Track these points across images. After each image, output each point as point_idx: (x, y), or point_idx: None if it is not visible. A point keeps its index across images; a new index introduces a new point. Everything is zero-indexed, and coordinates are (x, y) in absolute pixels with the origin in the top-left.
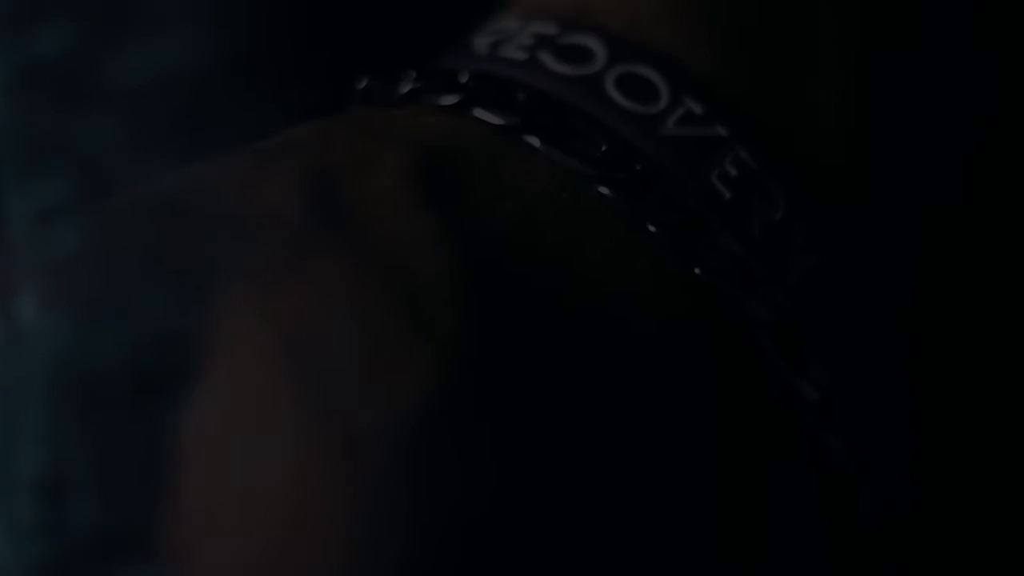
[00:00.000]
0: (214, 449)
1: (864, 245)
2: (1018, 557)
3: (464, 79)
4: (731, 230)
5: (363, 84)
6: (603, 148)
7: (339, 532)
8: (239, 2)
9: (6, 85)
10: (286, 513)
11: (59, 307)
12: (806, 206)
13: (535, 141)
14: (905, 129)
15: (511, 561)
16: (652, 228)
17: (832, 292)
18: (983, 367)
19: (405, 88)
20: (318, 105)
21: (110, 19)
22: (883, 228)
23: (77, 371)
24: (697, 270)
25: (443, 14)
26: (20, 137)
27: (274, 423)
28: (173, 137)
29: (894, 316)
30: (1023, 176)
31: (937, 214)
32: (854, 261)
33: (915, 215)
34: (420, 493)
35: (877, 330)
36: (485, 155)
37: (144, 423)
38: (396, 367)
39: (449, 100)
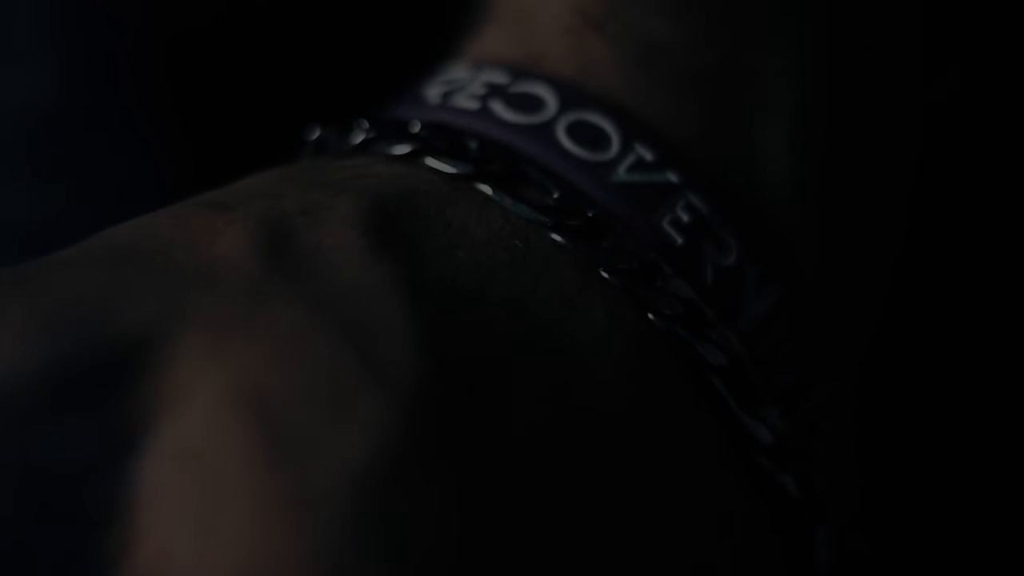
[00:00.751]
0: (168, 499)
1: (821, 286)
2: None
3: (416, 129)
4: (684, 276)
5: (316, 134)
6: (555, 195)
7: None
8: (93, 39)
9: None
10: (241, 565)
11: None
12: (758, 250)
13: (487, 189)
14: (860, 169)
15: None
16: (605, 275)
17: (788, 334)
18: (944, 398)
19: (357, 138)
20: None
21: None
22: (841, 268)
23: None
24: (651, 316)
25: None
26: None
27: (227, 474)
28: (29, 166)
29: (855, 353)
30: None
31: (897, 248)
32: (811, 302)
33: (875, 251)
34: (374, 544)
35: (837, 368)
36: (437, 203)
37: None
38: (350, 417)
39: (401, 150)
